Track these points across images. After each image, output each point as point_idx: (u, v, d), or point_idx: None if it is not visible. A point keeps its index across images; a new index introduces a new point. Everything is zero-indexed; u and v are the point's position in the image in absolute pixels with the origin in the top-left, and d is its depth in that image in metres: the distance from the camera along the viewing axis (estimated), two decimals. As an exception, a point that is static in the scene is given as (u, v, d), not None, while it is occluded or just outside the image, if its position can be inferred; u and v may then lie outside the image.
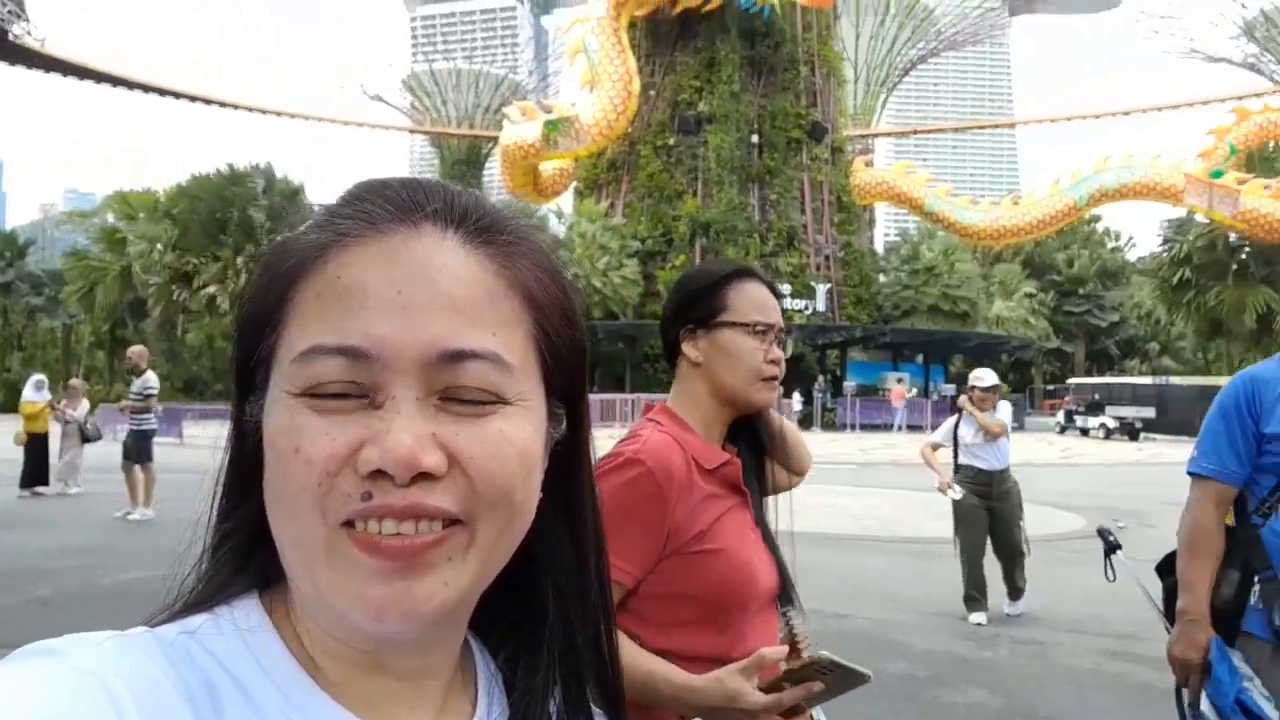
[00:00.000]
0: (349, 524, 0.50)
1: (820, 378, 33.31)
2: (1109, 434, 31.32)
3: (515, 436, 0.53)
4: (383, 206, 0.54)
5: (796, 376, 30.05)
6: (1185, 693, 2.61)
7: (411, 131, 69.27)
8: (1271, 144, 35.78)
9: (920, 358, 41.41)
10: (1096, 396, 34.46)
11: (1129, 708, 4.94)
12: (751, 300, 1.64)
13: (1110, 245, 56.14)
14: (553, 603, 0.63)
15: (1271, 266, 40.68)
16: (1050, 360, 56.85)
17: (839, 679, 1.31)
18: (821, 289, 34.45)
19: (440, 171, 62.20)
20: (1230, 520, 2.59)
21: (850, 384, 34.97)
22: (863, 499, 13.35)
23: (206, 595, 0.56)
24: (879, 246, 49.85)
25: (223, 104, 46.98)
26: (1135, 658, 5.77)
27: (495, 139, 56.09)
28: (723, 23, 34.04)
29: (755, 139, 34.62)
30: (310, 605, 0.55)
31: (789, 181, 34.98)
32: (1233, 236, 38.71)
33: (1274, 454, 2.43)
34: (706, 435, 1.64)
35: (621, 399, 26.95)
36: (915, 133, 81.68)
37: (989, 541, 6.88)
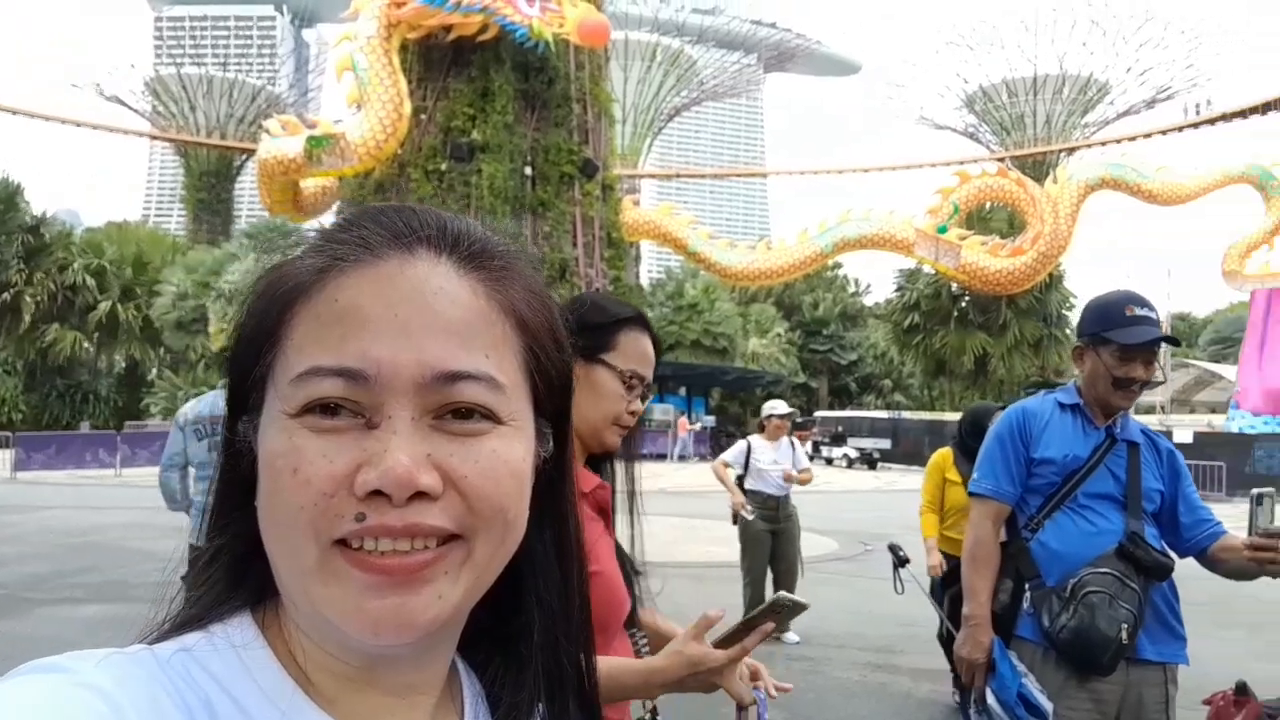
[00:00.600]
0: (343, 542, 0.51)
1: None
2: (851, 463, 33.71)
3: (508, 456, 0.54)
4: (378, 233, 0.55)
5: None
6: (965, 696, 2.84)
7: (154, 138, 64.24)
8: (988, 205, 40.01)
9: (683, 390, 42.92)
10: (840, 429, 37.04)
11: (894, 714, 5.31)
12: (638, 350, 1.66)
13: (851, 290, 60.78)
14: (539, 619, 0.64)
15: (987, 314, 45.51)
16: (798, 394, 60.64)
17: (788, 614, 1.42)
18: (591, 322, 35.15)
19: (186, 182, 58.01)
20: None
21: (617, 415, 35.68)
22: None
23: (199, 612, 0.57)
24: (645, 283, 51.45)
25: (-74, 91, 41.59)
26: (895, 669, 6.23)
27: (249, 151, 53.29)
28: (497, 54, 33.86)
29: (529, 171, 34.74)
30: (305, 621, 0.55)
31: (561, 215, 35.24)
32: (955, 286, 42.92)
33: (1041, 476, 2.73)
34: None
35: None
36: (678, 176, 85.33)
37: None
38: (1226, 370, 42.85)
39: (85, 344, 42.26)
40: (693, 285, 48.32)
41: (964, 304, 45.95)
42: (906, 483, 25.08)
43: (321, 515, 0.51)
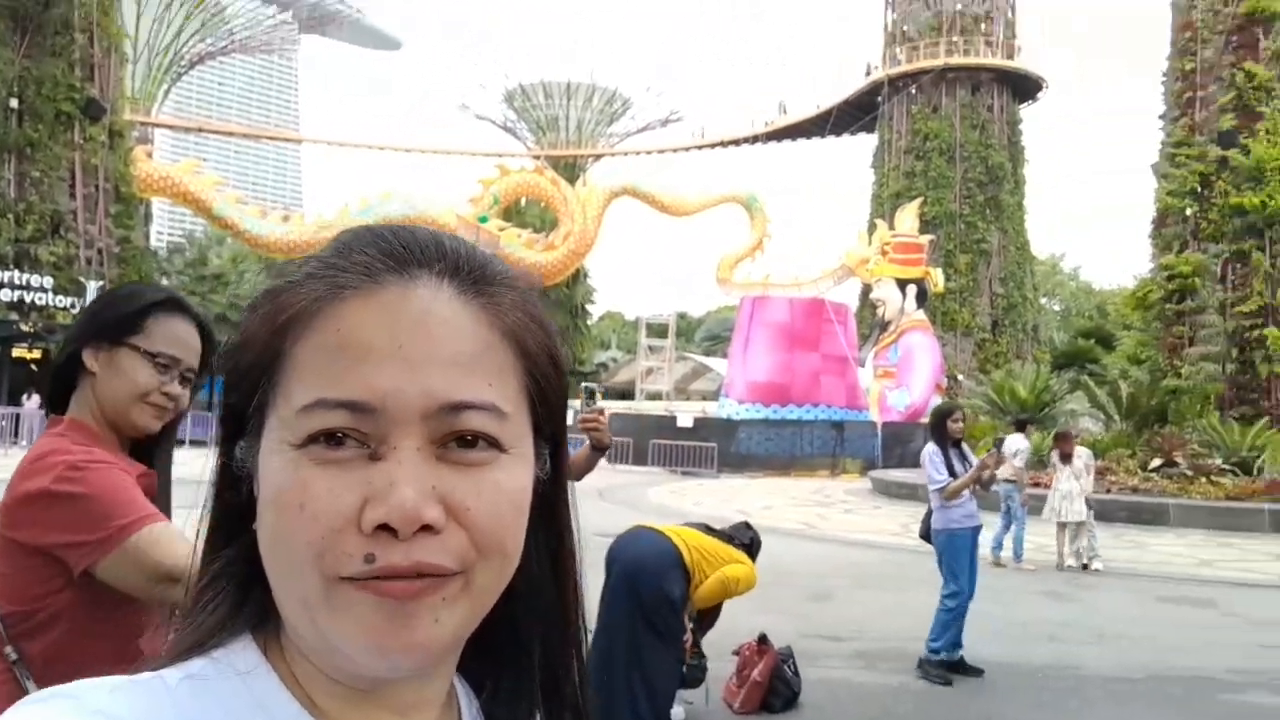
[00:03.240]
0: (348, 579, 0.52)
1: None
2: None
3: (510, 487, 0.55)
4: (378, 258, 0.56)
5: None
6: None
7: None
8: (523, 200, 41.93)
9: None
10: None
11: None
12: (169, 333, 1.67)
13: (389, 270, 60.52)
14: (538, 635, 0.65)
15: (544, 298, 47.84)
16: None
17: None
18: (93, 285, 30.58)
19: None
20: None
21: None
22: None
23: (201, 638, 0.57)
24: (160, 246, 46.19)
25: None
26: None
27: None
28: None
29: (15, 104, 29.35)
30: (309, 647, 0.56)
31: (56, 160, 30.32)
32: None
33: None
34: (111, 447, 1.65)
35: None
36: (201, 130, 77.74)
37: None
38: (717, 364, 49.44)
39: None
40: (218, 254, 44.61)
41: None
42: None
43: (328, 552, 0.51)
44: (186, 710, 0.52)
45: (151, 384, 1.63)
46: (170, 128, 65.81)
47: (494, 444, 0.55)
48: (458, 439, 0.54)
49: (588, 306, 54.58)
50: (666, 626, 4.65)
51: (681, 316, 72.60)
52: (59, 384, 1.69)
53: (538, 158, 52.53)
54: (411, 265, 0.56)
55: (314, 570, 0.51)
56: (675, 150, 62.96)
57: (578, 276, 46.97)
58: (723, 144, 61.50)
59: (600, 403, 3.39)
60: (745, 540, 5.14)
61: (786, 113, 59.28)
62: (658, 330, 50.02)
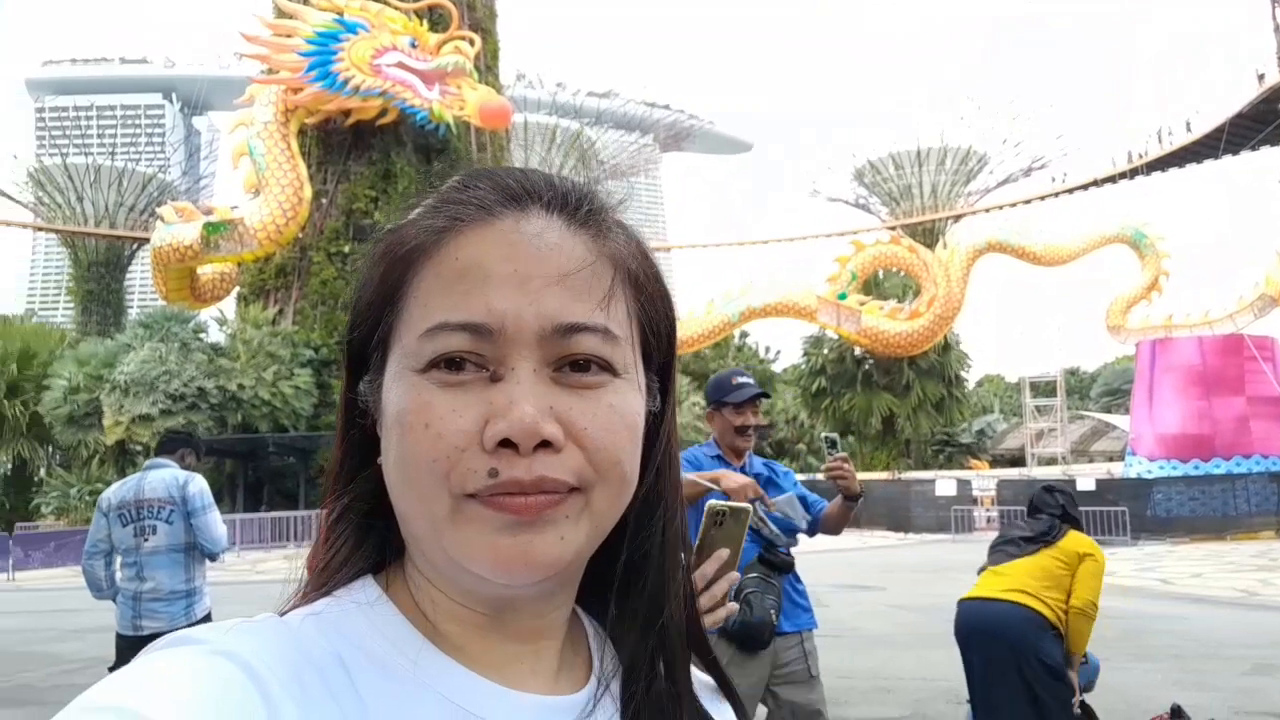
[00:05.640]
0: (473, 496, 0.53)
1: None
2: (768, 530, 33.97)
3: (624, 409, 0.56)
4: (492, 193, 0.58)
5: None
6: None
7: (39, 229, 62.14)
8: (881, 272, 41.44)
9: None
10: (755, 495, 37.29)
11: None
12: None
13: (760, 358, 61.94)
14: (648, 571, 0.65)
15: (890, 376, 46.79)
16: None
17: (732, 524, 1.21)
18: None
19: (74, 274, 56.02)
20: None
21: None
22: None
23: (323, 581, 0.60)
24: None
25: None
26: None
27: (139, 240, 51.69)
28: (398, 137, 34.09)
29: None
30: (434, 570, 0.57)
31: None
32: (858, 350, 44.07)
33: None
34: None
35: (296, 516, 25.08)
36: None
37: None
38: (1119, 420, 44.71)
39: (-35, 446, 39.76)
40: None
41: (868, 367, 47.19)
42: (828, 542, 25.24)
43: (454, 469, 0.53)
44: (309, 643, 0.54)
45: None
46: (557, 253, 73.52)
47: (606, 368, 0.56)
48: (571, 363, 0.55)
49: (963, 374, 51.98)
50: (1054, 696, 4.25)
51: (1072, 373, 66.89)
52: None
53: (893, 228, 51.85)
54: (524, 199, 0.58)
55: (441, 488, 0.53)
56: (1041, 198, 59.12)
57: (948, 342, 45.10)
58: (1096, 183, 56.71)
59: (842, 450, 3.59)
60: (1056, 513, 4.42)
61: (1171, 136, 53.53)
62: (1045, 390, 46.40)
